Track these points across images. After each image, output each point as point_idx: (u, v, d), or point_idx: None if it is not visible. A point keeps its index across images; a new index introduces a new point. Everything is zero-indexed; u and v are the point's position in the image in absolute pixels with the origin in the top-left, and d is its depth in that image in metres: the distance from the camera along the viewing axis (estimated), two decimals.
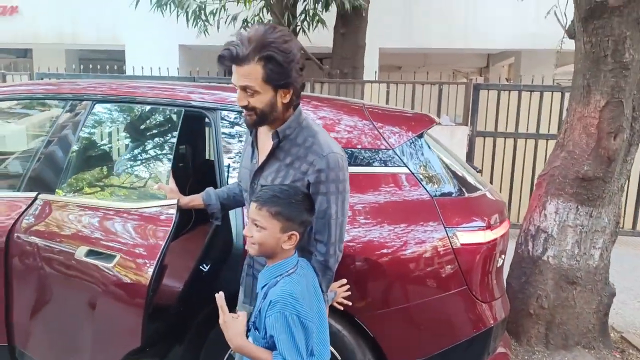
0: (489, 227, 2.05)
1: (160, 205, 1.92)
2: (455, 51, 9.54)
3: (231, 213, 2.01)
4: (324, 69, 6.46)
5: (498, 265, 2.17)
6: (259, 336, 1.36)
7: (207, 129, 3.68)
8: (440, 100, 5.84)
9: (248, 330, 1.39)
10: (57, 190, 2.19)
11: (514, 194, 5.77)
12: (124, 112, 2.54)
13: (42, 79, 5.88)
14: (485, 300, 2.05)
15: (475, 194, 2.21)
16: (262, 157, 1.54)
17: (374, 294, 1.97)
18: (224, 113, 2.17)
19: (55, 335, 2.05)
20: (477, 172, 2.68)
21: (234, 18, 5.92)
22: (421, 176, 2.07)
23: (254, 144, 1.59)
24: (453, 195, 2.11)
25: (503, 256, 2.23)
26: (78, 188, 2.30)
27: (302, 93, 1.55)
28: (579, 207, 2.94)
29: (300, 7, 6.22)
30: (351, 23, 6.15)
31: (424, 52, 10.42)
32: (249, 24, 6.05)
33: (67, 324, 2.01)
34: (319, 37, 6.26)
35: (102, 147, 2.56)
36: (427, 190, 2.03)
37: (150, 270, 1.78)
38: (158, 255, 1.79)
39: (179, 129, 2.29)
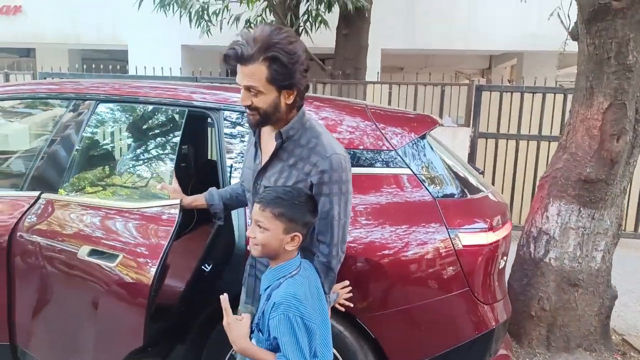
0: (491, 228, 2.05)
1: (163, 205, 1.92)
2: (457, 52, 9.54)
3: (233, 213, 2.01)
4: (327, 69, 6.46)
5: (500, 267, 2.17)
6: (262, 338, 1.36)
7: (209, 129, 3.69)
8: (443, 101, 5.83)
9: (251, 331, 1.39)
10: (60, 189, 2.20)
11: (516, 195, 5.76)
12: (127, 112, 2.55)
13: (45, 78, 5.89)
14: (487, 302, 2.05)
15: (478, 195, 2.21)
16: (265, 157, 1.54)
17: (376, 295, 1.97)
18: (227, 113, 2.17)
19: (57, 334, 2.05)
20: (479, 173, 2.67)
21: (237, 18, 5.92)
22: (423, 177, 2.07)
23: (257, 145, 1.59)
24: (455, 196, 2.11)
25: (505, 258, 2.22)
26: (81, 187, 2.31)
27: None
28: (581, 209, 2.94)
29: (303, 8, 6.22)
30: (354, 24, 6.15)
31: (426, 53, 10.42)
32: (252, 25, 6.06)
33: (69, 324, 2.01)
34: (321, 38, 6.26)
35: (105, 147, 2.57)
36: (429, 192, 2.03)
37: (153, 270, 1.79)
38: (161, 255, 1.79)
39: (182, 129, 2.29)
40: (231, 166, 2.11)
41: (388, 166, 2.06)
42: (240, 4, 5.60)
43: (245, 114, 1.53)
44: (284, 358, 1.29)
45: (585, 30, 2.80)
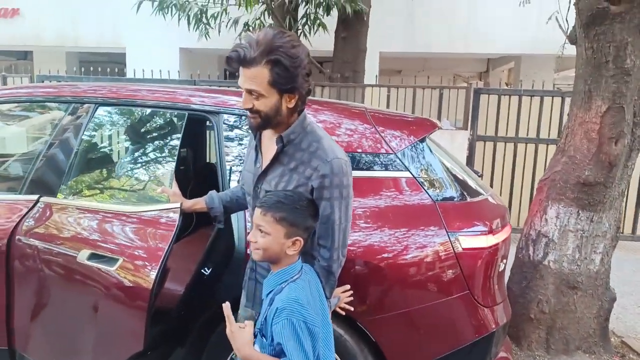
0: (491, 231, 2.06)
1: (163, 209, 1.92)
2: (455, 55, 9.57)
3: (233, 216, 2.01)
4: (325, 72, 6.47)
5: (500, 270, 2.17)
6: (265, 343, 1.36)
7: (207, 132, 3.69)
8: (441, 104, 5.85)
9: (254, 336, 1.39)
10: (58, 193, 2.19)
11: (514, 198, 5.78)
12: (126, 116, 2.54)
13: (42, 81, 5.88)
14: (487, 305, 2.05)
15: (477, 198, 2.22)
16: (265, 161, 1.54)
17: (377, 298, 1.97)
18: (227, 116, 2.17)
19: (56, 338, 2.04)
20: (479, 176, 2.68)
21: (235, 22, 5.93)
22: (423, 180, 2.07)
23: (258, 148, 1.59)
24: (455, 199, 2.11)
25: (505, 261, 2.23)
26: (79, 191, 2.30)
27: None
28: (580, 211, 2.94)
29: (301, 11, 6.24)
30: (352, 27, 6.16)
31: (425, 56, 10.45)
32: (250, 28, 6.07)
33: (69, 328, 2.00)
34: (319, 41, 6.27)
35: (104, 151, 2.56)
36: (429, 195, 2.04)
37: (153, 274, 1.78)
38: (161, 259, 1.78)
39: (182, 132, 2.29)
40: (230, 169, 2.11)
41: (388, 169, 2.06)
42: (239, 7, 5.61)
43: (246, 117, 1.53)
44: None
45: (583, 34, 2.81)
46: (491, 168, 5.74)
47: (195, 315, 2.10)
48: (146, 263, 1.83)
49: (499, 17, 8.22)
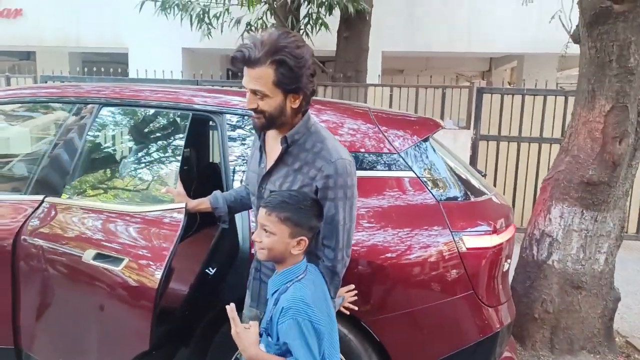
0: (495, 231, 2.06)
1: (168, 209, 1.92)
2: (458, 55, 9.56)
3: (237, 216, 2.01)
4: (327, 72, 6.46)
5: (504, 270, 2.17)
6: (271, 342, 1.37)
7: (210, 132, 3.69)
8: (444, 103, 5.84)
9: (260, 336, 1.39)
10: (63, 193, 2.20)
11: (517, 198, 5.77)
12: (131, 116, 2.55)
13: (46, 81, 5.90)
14: (491, 305, 2.05)
15: (481, 198, 2.21)
16: (270, 161, 1.54)
17: (381, 298, 1.97)
18: (230, 117, 2.17)
19: (62, 338, 2.05)
20: (482, 176, 2.68)
21: (238, 21, 5.93)
22: (427, 180, 2.07)
23: (262, 149, 1.59)
24: (459, 199, 2.11)
25: (509, 260, 2.23)
26: (84, 191, 2.31)
27: None
28: (584, 211, 2.94)
29: (303, 11, 6.24)
30: (355, 27, 6.16)
31: (427, 55, 10.44)
32: (252, 27, 6.07)
33: (74, 327, 2.01)
34: (322, 41, 6.27)
35: (109, 151, 2.57)
36: (433, 195, 2.04)
37: (159, 273, 1.79)
38: (166, 259, 1.79)
39: (186, 132, 2.30)
40: (234, 169, 2.11)
41: (391, 169, 2.07)
42: (241, 6, 5.62)
43: (251, 117, 1.53)
44: None
45: (586, 33, 2.80)
46: (494, 167, 5.73)
47: (200, 315, 2.10)
48: (152, 263, 1.84)
49: (501, 16, 8.20)
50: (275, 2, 5.79)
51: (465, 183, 2.22)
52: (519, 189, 5.75)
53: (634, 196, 5.37)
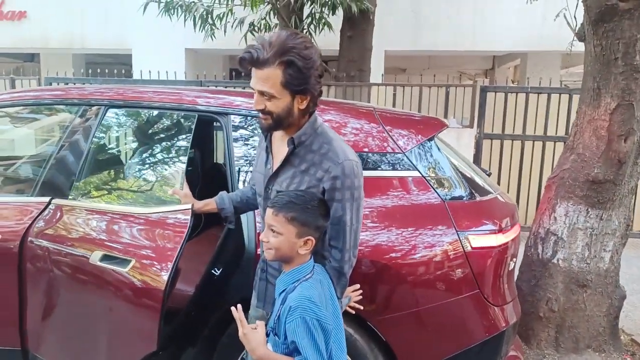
0: (501, 230, 2.06)
1: (175, 210, 1.93)
2: (461, 53, 9.53)
3: (243, 217, 2.02)
4: (331, 71, 6.46)
5: (510, 269, 2.17)
6: (279, 342, 1.37)
7: (214, 133, 3.70)
8: (447, 102, 5.83)
9: (267, 336, 1.40)
10: (70, 195, 2.21)
11: (522, 196, 5.75)
12: (137, 118, 2.56)
13: (50, 84, 5.92)
14: (497, 304, 2.05)
15: (486, 197, 2.21)
16: (276, 163, 1.55)
17: (387, 297, 1.97)
18: (235, 117, 2.18)
19: (69, 339, 2.06)
20: (487, 175, 2.67)
21: (241, 22, 5.93)
22: (433, 180, 2.07)
23: (269, 149, 1.60)
24: (464, 198, 2.11)
25: (514, 259, 2.23)
26: (90, 193, 2.32)
27: None
28: (589, 209, 2.93)
29: (306, 11, 6.23)
30: (358, 26, 6.15)
31: (429, 54, 10.42)
32: (256, 28, 6.07)
33: (81, 329, 2.02)
34: (325, 40, 6.26)
35: (115, 152, 2.58)
36: (438, 194, 2.04)
37: (166, 274, 1.80)
38: (174, 260, 1.80)
39: (192, 133, 2.31)
40: (239, 170, 2.11)
41: (397, 169, 2.07)
42: (244, 7, 5.62)
43: (258, 118, 1.54)
44: None
45: (592, 31, 2.80)
46: (498, 166, 5.71)
47: (206, 316, 2.11)
48: (159, 264, 1.85)
49: (504, 14, 8.17)
50: (278, 2, 5.79)
51: (470, 182, 2.22)
52: (523, 188, 5.74)
53: (638, 193, 5.35)
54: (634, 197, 3.04)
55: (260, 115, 1.47)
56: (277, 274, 1.52)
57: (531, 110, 5.55)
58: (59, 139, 2.38)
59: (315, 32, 6.23)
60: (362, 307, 1.78)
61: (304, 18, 6.16)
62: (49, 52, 10.11)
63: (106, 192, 2.40)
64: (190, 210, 1.84)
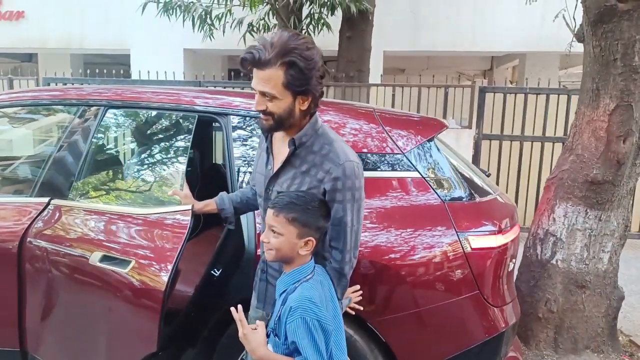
0: (500, 231, 2.06)
1: (175, 211, 1.93)
2: (460, 54, 9.54)
3: (243, 217, 2.02)
4: (330, 72, 6.46)
5: (509, 270, 2.17)
6: (279, 342, 1.37)
7: (214, 133, 3.70)
8: (446, 103, 5.84)
9: (267, 336, 1.40)
10: (69, 195, 2.20)
11: (520, 197, 5.76)
12: (136, 118, 2.56)
13: (48, 84, 5.91)
14: (496, 305, 2.05)
15: (486, 198, 2.21)
16: (277, 163, 1.55)
17: (386, 298, 1.97)
18: (234, 118, 2.17)
19: (68, 340, 2.06)
20: (487, 175, 2.68)
21: (240, 22, 5.93)
22: (432, 181, 2.07)
23: (269, 150, 1.59)
24: (464, 199, 2.11)
25: (514, 260, 2.23)
26: (89, 193, 2.31)
27: None
28: (588, 210, 2.94)
29: (305, 11, 6.23)
30: (357, 26, 6.16)
31: (428, 54, 10.43)
32: (255, 28, 6.07)
33: (81, 330, 2.01)
34: (324, 41, 6.25)
35: (114, 153, 2.58)
36: (438, 195, 2.04)
37: (166, 275, 1.79)
38: (174, 261, 1.80)
39: (192, 134, 2.30)
40: (238, 170, 2.11)
41: (396, 170, 2.07)
42: (243, 7, 5.61)
43: (259, 119, 1.53)
44: None
45: (591, 32, 2.80)
46: (497, 167, 5.73)
47: (206, 317, 2.11)
48: (159, 264, 1.84)
49: (503, 14, 8.19)
50: (277, 3, 5.79)
51: (469, 183, 2.22)
52: (521, 188, 5.75)
53: (638, 195, 5.36)
54: (632, 198, 3.04)
55: (262, 116, 1.47)
56: (278, 274, 1.52)
57: (530, 111, 5.56)
58: (58, 140, 2.37)
59: (314, 32, 6.24)
60: (362, 308, 1.79)
61: (303, 18, 6.16)
62: (47, 52, 10.10)
63: (105, 193, 2.39)
64: (190, 211, 1.84)
